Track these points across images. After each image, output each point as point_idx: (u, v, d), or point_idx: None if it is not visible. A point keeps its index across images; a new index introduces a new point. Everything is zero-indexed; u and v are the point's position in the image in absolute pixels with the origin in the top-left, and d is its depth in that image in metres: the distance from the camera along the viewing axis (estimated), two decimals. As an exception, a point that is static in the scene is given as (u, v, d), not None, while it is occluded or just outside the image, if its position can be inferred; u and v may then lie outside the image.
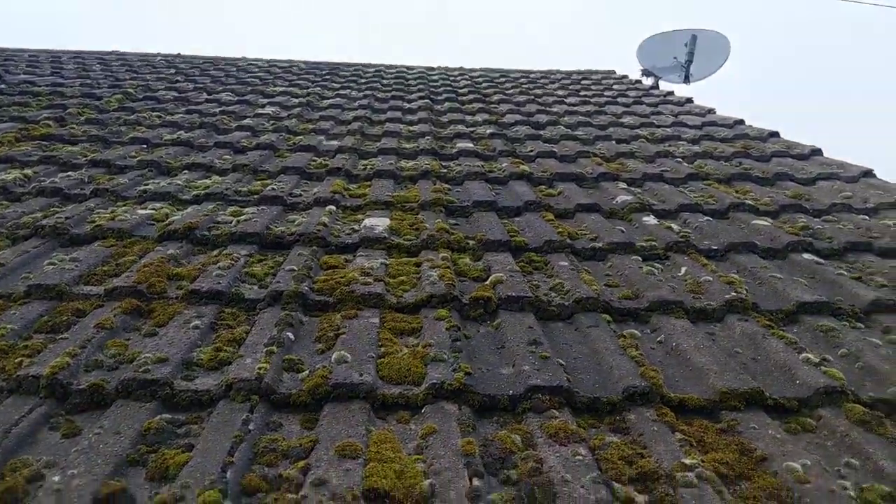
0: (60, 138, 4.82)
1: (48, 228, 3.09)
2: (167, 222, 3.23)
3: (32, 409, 1.86)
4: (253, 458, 1.72)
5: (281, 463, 1.72)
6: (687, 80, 9.08)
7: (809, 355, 2.24)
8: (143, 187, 3.79)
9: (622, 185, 4.35)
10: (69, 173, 4.04)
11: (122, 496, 1.56)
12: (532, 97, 7.56)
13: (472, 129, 5.84)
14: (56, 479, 1.58)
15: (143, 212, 3.40)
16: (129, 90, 6.60)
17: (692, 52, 8.93)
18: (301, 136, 5.34)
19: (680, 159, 5.03)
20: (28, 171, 3.99)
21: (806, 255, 3.20)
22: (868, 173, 4.47)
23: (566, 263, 3.02)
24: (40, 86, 6.86)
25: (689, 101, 7.58)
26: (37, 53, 9.19)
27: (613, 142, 5.59)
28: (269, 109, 6.19)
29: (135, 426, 1.80)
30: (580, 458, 1.73)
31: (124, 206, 3.52)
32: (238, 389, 1.92)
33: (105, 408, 1.91)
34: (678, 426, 1.92)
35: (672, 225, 3.63)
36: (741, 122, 6.22)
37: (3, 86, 6.85)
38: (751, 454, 1.81)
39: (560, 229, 3.43)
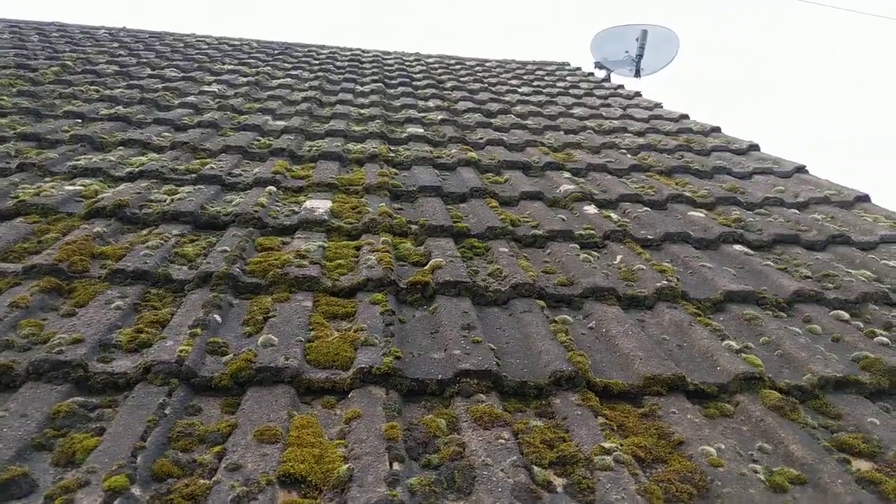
0: (-12, 110, 4.58)
1: (-34, 203, 2.94)
2: (96, 199, 3.09)
3: (-66, 392, 1.77)
4: (167, 442, 1.67)
5: (196, 448, 1.67)
6: (638, 73, 9.24)
7: (732, 342, 2.30)
8: (73, 162, 3.64)
9: (567, 174, 4.38)
10: (-6, 146, 3.84)
11: (24, 481, 1.49)
12: (486, 85, 7.55)
13: (423, 114, 5.79)
14: (-48, 464, 1.50)
15: (70, 188, 3.26)
16: (68, 62, 6.32)
17: (643, 46, 9.08)
18: (246, 116, 5.21)
19: (625, 151, 5.10)
20: (-51, 143, 3.78)
21: (737, 247, 3.28)
22: (801, 169, 4.62)
23: (506, 250, 3.02)
24: (-30, 54, 6.52)
25: (638, 94, 7.68)
26: (-31, 21, 8.72)
27: (562, 132, 5.62)
28: (215, 87, 6.01)
29: (43, 409, 1.73)
30: (503, 441, 1.74)
31: (52, 181, 3.37)
32: (156, 372, 1.86)
33: (14, 390, 1.82)
34: (601, 411, 1.95)
35: (612, 214, 3.67)
36: (686, 116, 6.34)
37: (-71, 53, 6.48)
38: (668, 438, 1.85)
39: (503, 216, 3.43)
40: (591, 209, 3.71)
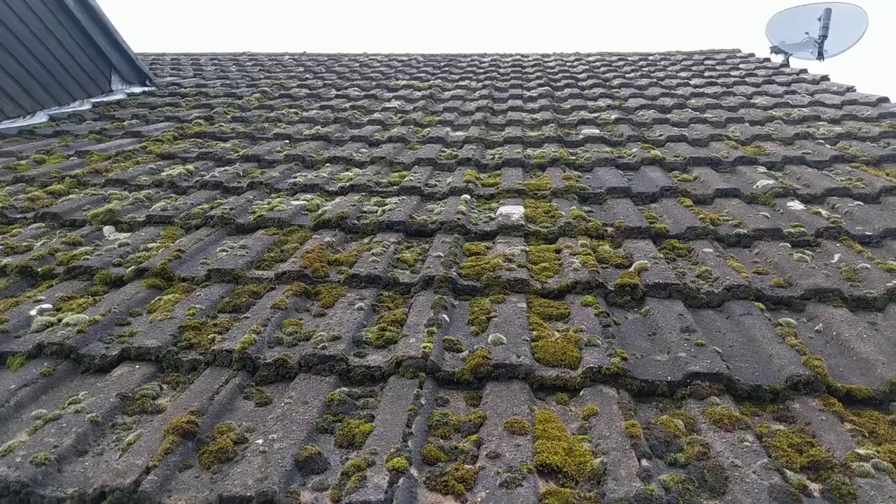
0: (212, 135, 5.25)
1: (217, 218, 3.41)
2: (320, 212, 3.46)
3: (228, 380, 2.09)
4: (428, 430, 1.85)
5: (454, 436, 1.84)
6: (821, 56, 8.51)
7: None
8: (292, 180, 4.08)
9: (761, 168, 4.19)
10: (225, 168, 4.40)
11: (318, 459, 1.74)
12: (654, 80, 7.37)
13: (595, 114, 5.79)
14: (259, 441, 1.78)
15: (296, 203, 3.66)
16: (266, 89, 7.05)
17: (827, 25, 8.35)
18: (428, 129, 5.51)
19: (822, 141, 4.76)
20: (189, 167, 4.39)
21: (979, 242, 2.97)
22: None
23: (711, 250, 2.97)
24: (186, 87, 7.47)
25: (825, 78, 7.11)
26: (178, 56, 9.98)
27: (747, 124, 5.37)
28: (394, 103, 6.41)
29: (319, 397, 1.98)
30: (748, 444, 1.74)
31: (278, 197, 3.81)
32: (407, 366, 2.07)
33: (289, 380, 2.11)
34: (847, 416, 1.88)
35: (820, 210, 3.46)
36: (885, 99, 5.77)
37: (153, 88, 7.51)
38: (933, 448, 1.74)
39: (701, 215, 3.37)
40: (795, 205, 3.53)
